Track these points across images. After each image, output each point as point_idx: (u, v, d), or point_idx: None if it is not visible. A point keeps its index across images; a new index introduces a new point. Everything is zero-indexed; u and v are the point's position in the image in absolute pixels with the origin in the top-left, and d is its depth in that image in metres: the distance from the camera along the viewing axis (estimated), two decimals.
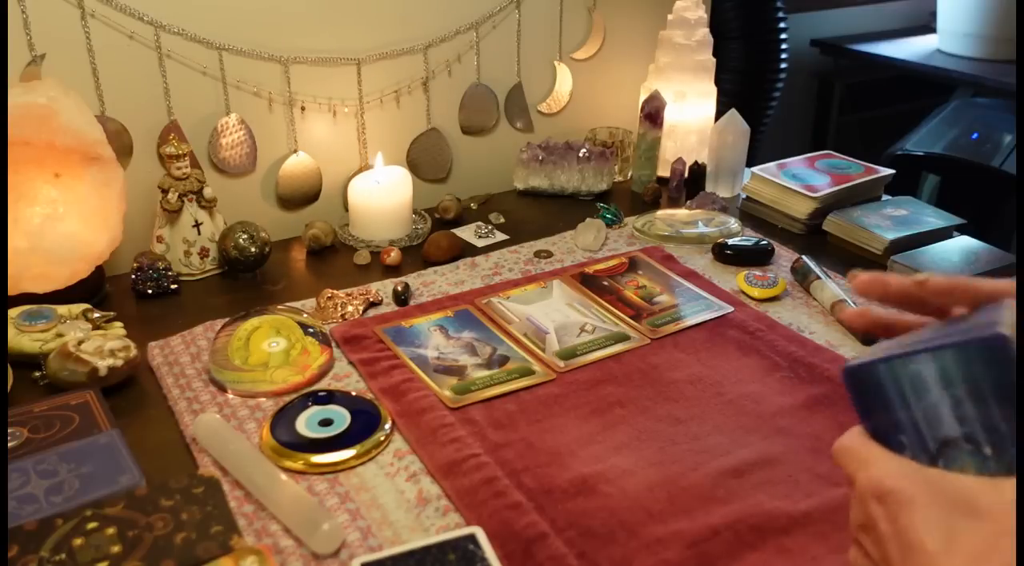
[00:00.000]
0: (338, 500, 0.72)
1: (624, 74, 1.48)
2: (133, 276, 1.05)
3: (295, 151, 1.22)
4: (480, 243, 1.20)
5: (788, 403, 0.84)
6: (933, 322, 0.52)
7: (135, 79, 1.09)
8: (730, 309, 1.01)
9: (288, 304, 1.01)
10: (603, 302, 1.02)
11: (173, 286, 1.06)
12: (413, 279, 1.09)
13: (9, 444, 0.75)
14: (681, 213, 1.25)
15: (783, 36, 1.64)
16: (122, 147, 1.09)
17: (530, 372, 0.89)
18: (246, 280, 1.11)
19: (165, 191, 1.07)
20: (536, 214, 1.30)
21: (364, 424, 0.80)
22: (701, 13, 1.38)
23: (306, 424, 0.80)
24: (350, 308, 1.00)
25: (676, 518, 0.69)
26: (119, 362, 0.86)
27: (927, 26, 2.30)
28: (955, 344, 0.45)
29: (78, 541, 0.64)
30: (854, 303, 0.98)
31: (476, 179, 1.39)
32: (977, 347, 0.45)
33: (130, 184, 1.05)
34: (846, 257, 1.14)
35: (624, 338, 0.95)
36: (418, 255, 1.16)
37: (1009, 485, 0.42)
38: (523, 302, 1.02)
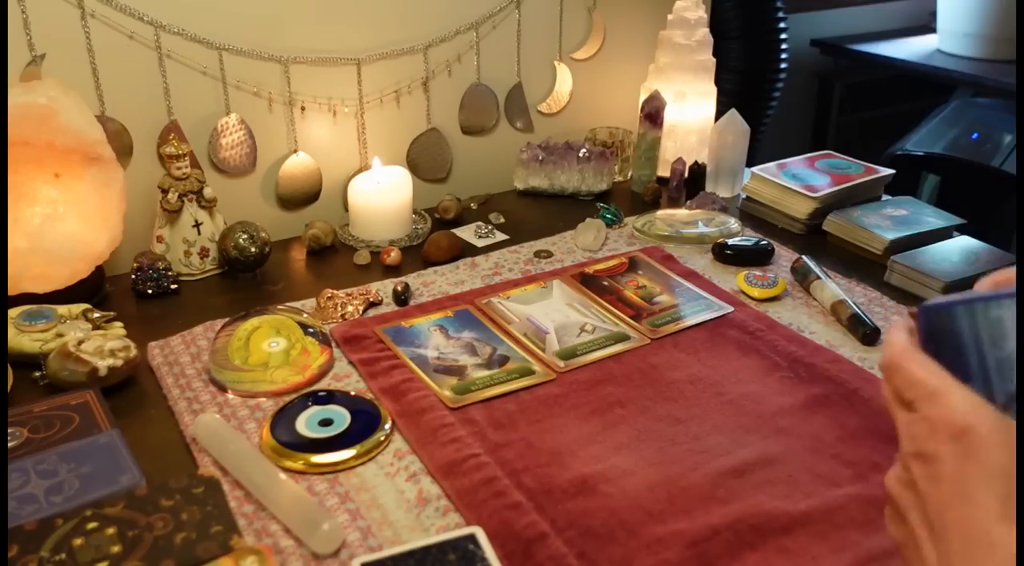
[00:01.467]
0: (338, 500, 0.72)
1: (624, 74, 1.48)
2: (133, 276, 1.05)
3: (295, 151, 1.22)
4: (480, 243, 1.20)
5: (788, 403, 0.84)
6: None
7: (135, 79, 1.09)
8: (730, 309, 1.01)
9: (288, 304, 1.01)
10: (603, 302, 1.02)
11: (173, 286, 1.06)
12: (413, 279, 1.09)
13: (9, 444, 0.75)
14: (681, 213, 1.25)
15: (783, 36, 1.64)
16: (122, 147, 1.09)
17: (530, 372, 0.89)
18: (246, 280, 1.11)
19: (165, 191, 1.07)
20: (536, 214, 1.30)
21: (364, 424, 0.80)
22: (701, 13, 1.38)
23: (306, 424, 0.80)
24: (350, 308, 1.00)
25: (676, 518, 0.69)
26: (119, 362, 0.86)
27: (927, 26, 2.31)
28: None
29: (78, 541, 0.64)
30: (854, 304, 0.98)
31: (476, 179, 1.39)
32: None
33: (130, 184, 1.05)
34: (846, 257, 1.14)
35: (624, 338, 0.95)
36: (418, 255, 1.16)
37: None
38: (523, 302, 1.02)
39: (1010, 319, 0.44)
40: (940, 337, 0.46)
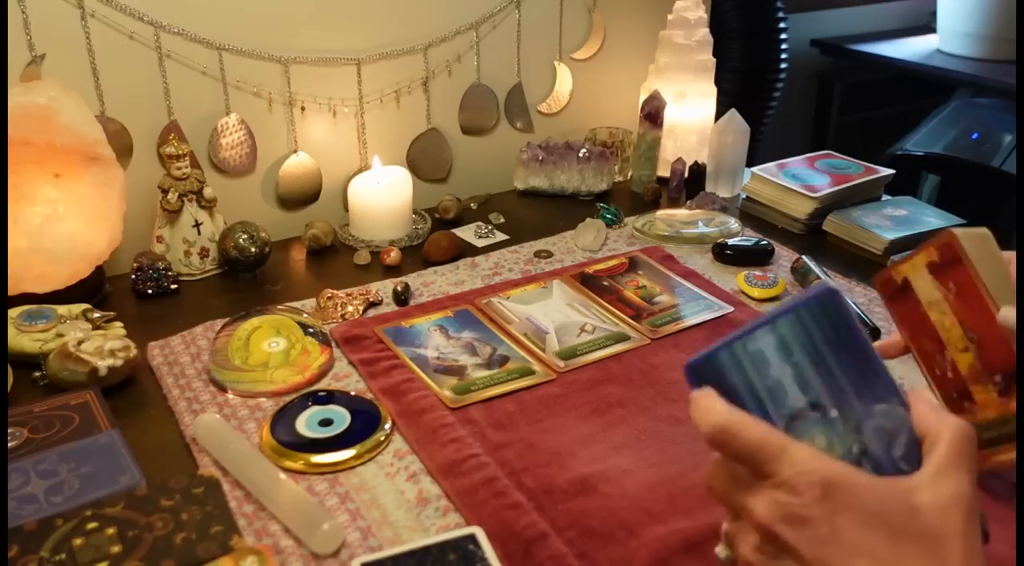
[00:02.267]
0: (338, 500, 0.72)
1: (624, 74, 1.48)
2: (133, 276, 1.05)
3: (295, 151, 1.22)
4: (480, 243, 1.20)
5: None
6: None
7: (135, 79, 1.09)
8: (730, 309, 1.01)
9: (288, 304, 1.01)
10: (603, 302, 1.02)
11: (173, 286, 1.06)
12: (413, 279, 1.09)
13: (9, 444, 0.75)
14: (681, 213, 1.25)
15: (783, 36, 1.64)
16: (122, 147, 1.09)
17: (530, 372, 0.89)
18: (246, 280, 1.11)
19: (165, 191, 1.07)
20: (536, 214, 1.30)
21: (364, 424, 0.80)
22: (701, 13, 1.38)
23: (306, 424, 0.80)
24: (350, 308, 1.00)
25: (676, 518, 0.69)
26: (119, 362, 0.86)
27: (927, 26, 2.30)
28: (788, 310, 0.46)
29: (78, 541, 0.64)
30: (854, 303, 0.98)
31: (476, 179, 1.39)
32: (807, 305, 0.46)
33: (130, 184, 1.05)
34: (846, 257, 1.14)
35: (624, 338, 0.95)
36: (418, 255, 1.16)
37: (943, 484, 0.42)
38: (523, 302, 1.02)
39: (768, 347, 0.47)
40: (716, 388, 0.48)
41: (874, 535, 0.41)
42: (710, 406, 0.46)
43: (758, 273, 1.07)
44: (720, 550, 0.51)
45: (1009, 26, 2.01)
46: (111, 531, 0.65)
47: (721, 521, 0.68)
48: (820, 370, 0.46)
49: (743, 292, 1.05)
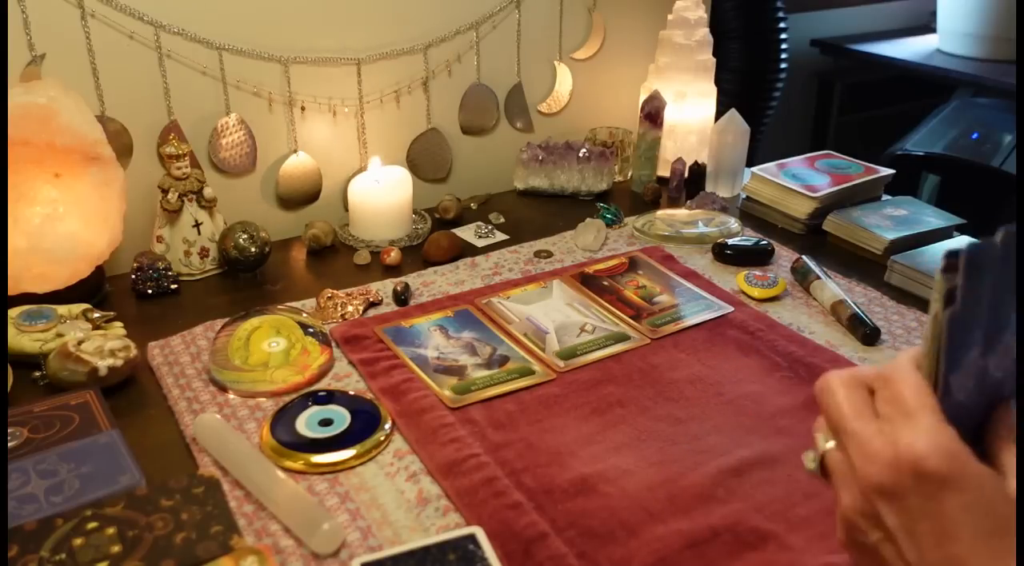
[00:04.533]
0: (338, 500, 0.72)
1: (624, 74, 1.48)
2: (133, 276, 1.05)
3: (295, 151, 1.22)
4: (480, 243, 1.20)
5: (788, 403, 0.84)
6: None
7: (135, 79, 1.09)
8: (730, 309, 1.01)
9: (288, 304, 1.01)
10: (603, 302, 1.02)
11: (173, 286, 1.06)
12: (413, 279, 1.09)
13: (9, 444, 0.75)
14: (681, 213, 1.25)
15: (783, 36, 1.64)
16: (122, 147, 1.09)
17: (530, 372, 0.89)
18: (246, 280, 1.11)
19: (165, 191, 1.07)
20: (536, 214, 1.30)
21: (364, 424, 0.80)
22: (701, 13, 1.38)
23: (306, 424, 0.80)
24: (350, 308, 1.00)
25: (676, 518, 0.69)
26: (119, 362, 0.86)
27: (927, 26, 2.30)
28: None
29: (78, 541, 0.64)
30: (855, 304, 0.98)
31: (476, 179, 1.39)
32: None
33: (130, 184, 1.05)
34: (846, 257, 1.14)
35: (624, 338, 0.95)
36: (418, 255, 1.16)
37: None
38: (523, 302, 1.02)
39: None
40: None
41: (977, 522, 0.40)
42: (901, 356, 0.45)
43: (758, 273, 1.07)
44: (810, 461, 0.48)
45: (1009, 26, 2.01)
46: (111, 531, 0.65)
47: (721, 522, 0.69)
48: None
49: (743, 292, 1.05)
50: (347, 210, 1.24)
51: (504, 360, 0.91)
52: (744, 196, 1.30)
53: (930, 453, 0.41)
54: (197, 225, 1.09)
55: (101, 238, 1.00)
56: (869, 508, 0.43)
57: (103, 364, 0.85)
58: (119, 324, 0.95)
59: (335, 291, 1.02)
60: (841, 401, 0.45)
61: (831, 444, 0.47)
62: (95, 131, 1.00)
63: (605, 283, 1.07)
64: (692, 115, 1.41)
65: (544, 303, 1.02)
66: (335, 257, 1.17)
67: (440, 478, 0.74)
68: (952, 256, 0.42)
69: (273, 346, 0.91)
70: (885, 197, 1.28)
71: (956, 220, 1.16)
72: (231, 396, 0.86)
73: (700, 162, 1.37)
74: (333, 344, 0.94)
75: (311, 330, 0.94)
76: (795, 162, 1.30)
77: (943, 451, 0.41)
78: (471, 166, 1.39)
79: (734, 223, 1.21)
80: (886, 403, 0.44)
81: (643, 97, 1.36)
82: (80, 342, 0.87)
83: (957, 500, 0.40)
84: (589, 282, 1.07)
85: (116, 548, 0.63)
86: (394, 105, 1.29)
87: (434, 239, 1.15)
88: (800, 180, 1.23)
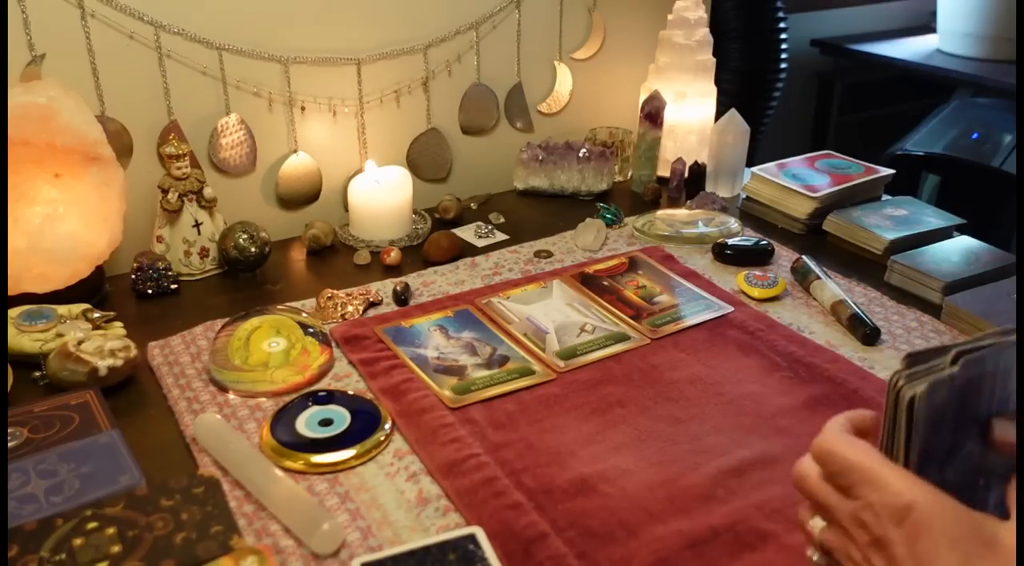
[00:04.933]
0: (338, 500, 0.72)
1: (624, 74, 1.48)
2: (133, 276, 1.05)
3: (295, 151, 1.22)
4: (480, 243, 1.20)
5: (788, 403, 0.84)
6: None
7: (135, 79, 1.09)
8: (730, 309, 1.01)
9: (288, 304, 1.01)
10: (603, 302, 1.02)
11: (173, 286, 1.06)
12: (413, 279, 1.09)
13: (9, 444, 0.75)
14: (681, 213, 1.25)
15: (783, 36, 1.64)
16: (122, 147, 1.09)
17: (530, 372, 0.89)
18: (246, 280, 1.11)
19: (165, 191, 1.07)
20: (536, 214, 1.30)
21: (364, 424, 0.80)
22: (701, 13, 1.38)
23: (306, 424, 0.80)
24: (350, 308, 1.00)
25: (676, 518, 0.69)
26: (119, 362, 0.86)
27: (927, 26, 2.30)
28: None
29: (78, 541, 0.64)
30: (855, 304, 0.98)
31: (476, 179, 1.39)
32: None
33: (130, 184, 1.05)
34: (846, 257, 1.14)
35: (624, 338, 0.95)
36: (418, 255, 1.16)
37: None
38: (523, 302, 1.02)
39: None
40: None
41: (950, 561, 0.43)
42: (826, 429, 0.50)
43: (758, 273, 1.07)
44: (815, 555, 0.52)
45: (1009, 26, 2.01)
46: (111, 531, 0.65)
47: (721, 522, 0.69)
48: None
49: (743, 292, 1.05)
50: (347, 210, 1.24)
51: (504, 360, 0.91)
52: (744, 196, 1.30)
53: (895, 499, 0.45)
54: (197, 225, 1.09)
55: (101, 238, 1.00)
56: None
57: (103, 364, 0.85)
58: (119, 324, 0.95)
59: (335, 291, 1.02)
60: (818, 485, 0.51)
61: (822, 525, 0.52)
62: (95, 131, 1.00)
63: (605, 283, 1.07)
64: (692, 115, 1.40)
65: (544, 303, 1.02)
66: (335, 257, 1.17)
67: (440, 478, 0.74)
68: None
69: (273, 346, 0.91)
70: (885, 197, 1.28)
71: (956, 220, 1.16)
72: (231, 396, 0.86)
73: (700, 162, 1.37)
74: (333, 344, 0.94)
75: (311, 330, 0.94)
76: (795, 162, 1.30)
77: (907, 491, 0.45)
78: (471, 166, 1.39)
79: (734, 223, 1.21)
80: (841, 475, 0.48)
81: (643, 97, 1.36)
82: (80, 342, 0.87)
83: (927, 539, 0.43)
84: (589, 282, 1.07)
85: (116, 548, 0.63)
86: (394, 105, 1.29)
87: (434, 239, 1.15)
88: (800, 180, 1.23)
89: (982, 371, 0.46)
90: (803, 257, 1.08)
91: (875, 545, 0.45)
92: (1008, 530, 0.43)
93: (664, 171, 1.39)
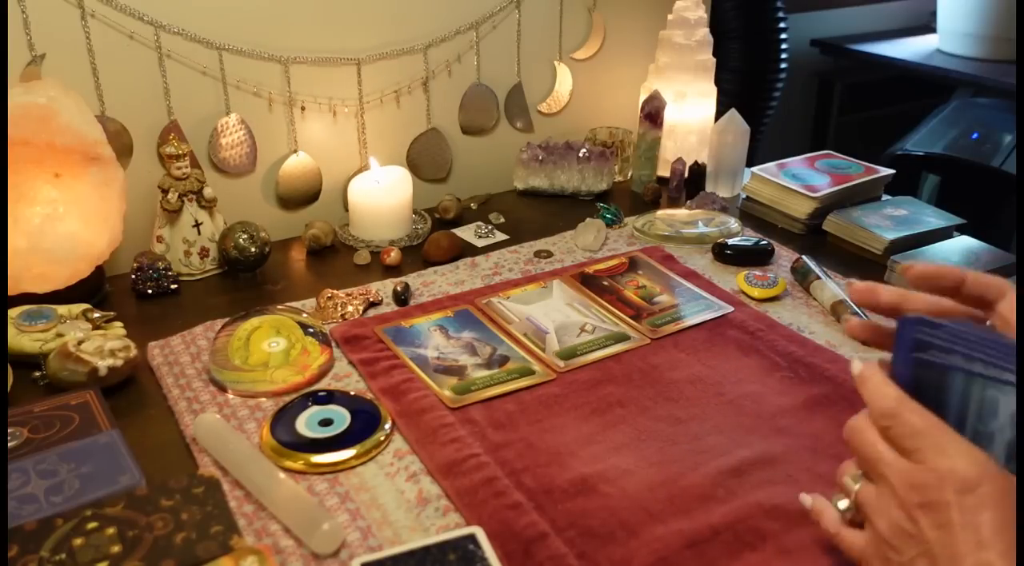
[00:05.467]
0: (338, 500, 0.72)
1: (624, 74, 1.48)
2: (133, 276, 1.05)
3: (295, 151, 1.22)
4: (480, 243, 1.20)
5: (788, 403, 0.84)
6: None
7: (135, 79, 1.09)
8: (730, 309, 1.01)
9: (288, 304, 1.01)
10: (603, 302, 1.02)
11: (173, 286, 1.06)
12: (413, 279, 1.09)
13: (9, 444, 0.75)
14: (681, 213, 1.25)
15: (783, 36, 1.64)
16: (122, 147, 1.09)
17: (530, 372, 0.89)
18: (246, 280, 1.11)
19: (165, 191, 1.07)
20: (536, 214, 1.30)
21: (364, 424, 0.80)
22: (701, 13, 1.38)
23: (306, 424, 0.80)
24: (350, 308, 1.00)
25: (676, 518, 0.69)
26: (119, 362, 0.86)
27: (927, 26, 2.31)
28: None
29: (78, 541, 0.64)
30: (854, 304, 0.98)
31: (476, 179, 1.39)
32: None
33: (130, 184, 1.05)
34: (846, 257, 1.14)
35: (624, 338, 0.95)
36: (418, 255, 1.16)
37: None
38: (523, 302, 1.02)
39: (1005, 405, 0.48)
40: (924, 387, 0.50)
41: (1001, 541, 0.44)
42: (880, 388, 0.51)
43: (758, 273, 1.07)
44: (842, 503, 0.54)
45: (1009, 26, 2.01)
46: (111, 531, 0.65)
47: (721, 522, 0.69)
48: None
49: (743, 292, 1.05)
50: (347, 210, 1.24)
51: (504, 360, 0.91)
52: (744, 196, 1.30)
53: (968, 470, 0.46)
54: (197, 225, 1.09)
55: (101, 238, 1.00)
56: (910, 526, 0.48)
57: (103, 364, 0.85)
58: (119, 324, 0.95)
59: (335, 291, 1.02)
60: (874, 442, 0.52)
61: (859, 486, 0.53)
62: (95, 131, 1.00)
63: (605, 283, 1.07)
64: (692, 115, 1.41)
65: (544, 303, 1.02)
66: (335, 257, 1.17)
67: (440, 478, 0.74)
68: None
69: (273, 346, 0.91)
70: (885, 197, 1.28)
71: (956, 220, 1.16)
72: (231, 396, 0.86)
73: (700, 162, 1.37)
74: (333, 344, 0.94)
75: (311, 330, 0.94)
76: (795, 162, 1.30)
77: (979, 465, 0.46)
78: (471, 166, 1.39)
79: (734, 223, 1.21)
80: (907, 438, 0.49)
81: (643, 97, 1.36)
82: (80, 342, 0.87)
83: (991, 512, 0.45)
84: (589, 282, 1.07)
85: (116, 548, 0.63)
86: (394, 105, 1.29)
87: (434, 239, 1.15)
88: (800, 180, 1.23)
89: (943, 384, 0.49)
90: (803, 257, 1.09)
91: (927, 507, 0.47)
92: None
93: (664, 171, 1.39)
